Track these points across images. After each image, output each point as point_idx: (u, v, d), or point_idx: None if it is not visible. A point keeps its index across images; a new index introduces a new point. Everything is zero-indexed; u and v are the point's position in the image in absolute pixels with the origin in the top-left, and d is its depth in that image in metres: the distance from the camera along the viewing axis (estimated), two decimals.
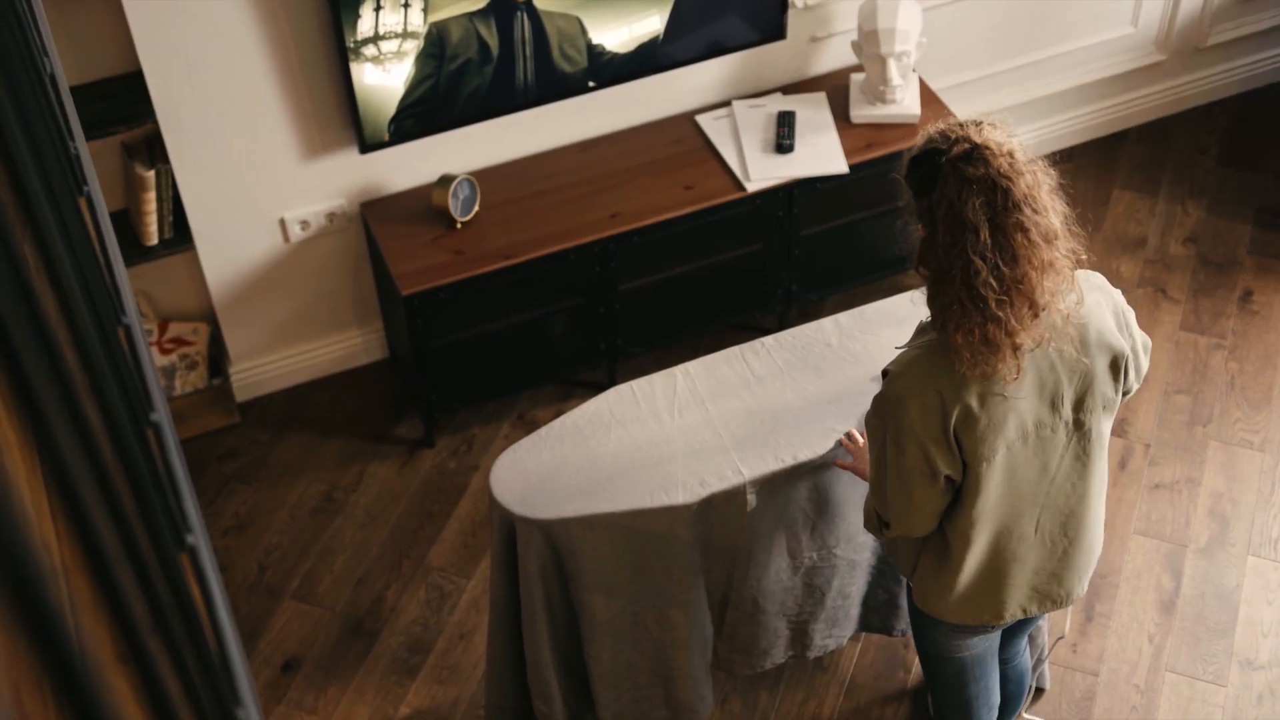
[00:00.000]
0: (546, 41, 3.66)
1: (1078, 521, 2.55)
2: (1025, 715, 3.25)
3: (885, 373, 2.42)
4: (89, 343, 0.89)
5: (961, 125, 2.30)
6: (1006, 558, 2.53)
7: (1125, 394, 2.50)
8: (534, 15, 3.60)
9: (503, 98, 3.71)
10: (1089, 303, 2.38)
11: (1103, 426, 2.46)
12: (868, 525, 2.61)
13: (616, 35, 3.74)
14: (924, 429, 2.33)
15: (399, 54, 3.51)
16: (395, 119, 3.61)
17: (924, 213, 2.30)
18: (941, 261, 2.26)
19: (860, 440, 2.77)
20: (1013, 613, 2.62)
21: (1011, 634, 2.95)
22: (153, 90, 3.45)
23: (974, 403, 2.32)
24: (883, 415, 2.39)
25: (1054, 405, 2.40)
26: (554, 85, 3.75)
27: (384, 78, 3.53)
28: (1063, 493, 2.50)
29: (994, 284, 2.20)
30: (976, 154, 2.22)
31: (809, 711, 3.39)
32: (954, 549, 2.51)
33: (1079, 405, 2.42)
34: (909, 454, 2.37)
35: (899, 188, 2.36)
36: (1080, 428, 2.44)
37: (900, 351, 2.43)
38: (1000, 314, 2.21)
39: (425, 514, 3.85)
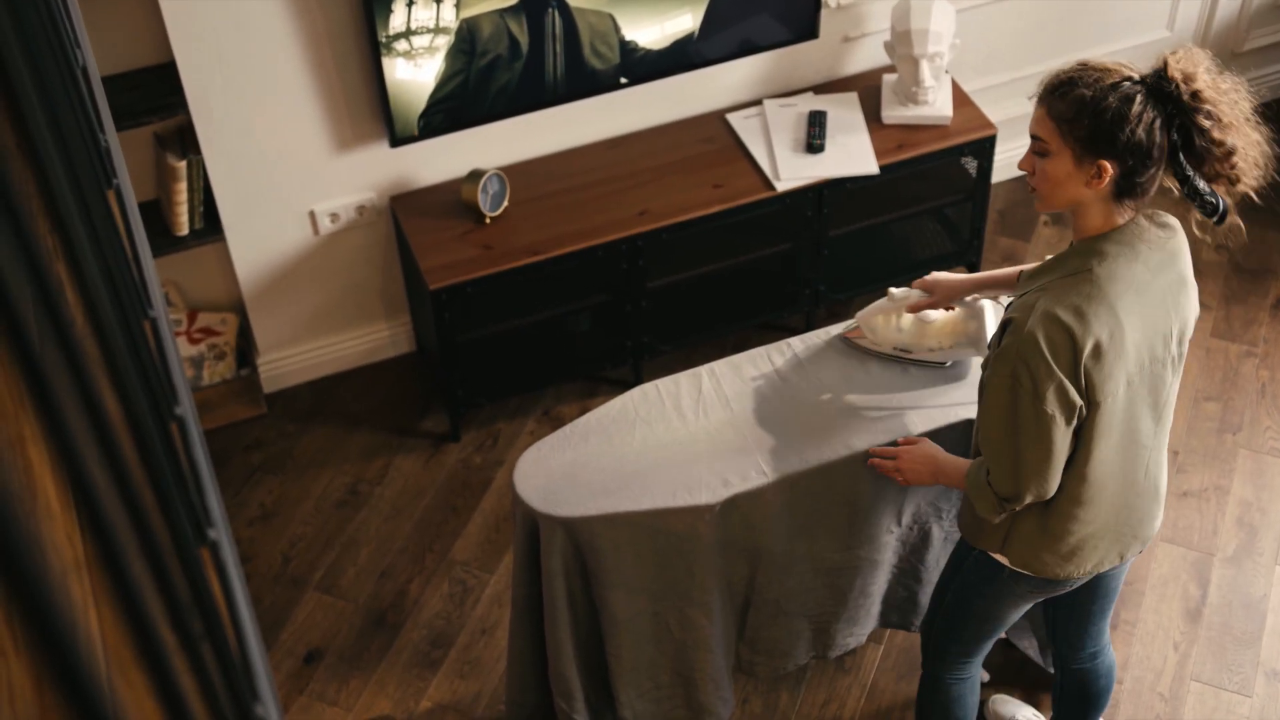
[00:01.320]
0: (578, 38, 3.66)
1: (1158, 460, 2.56)
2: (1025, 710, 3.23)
3: (1005, 324, 2.37)
4: (112, 336, 0.89)
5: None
6: (1120, 503, 2.52)
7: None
8: (565, 11, 3.59)
9: (532, 93, 3.71)
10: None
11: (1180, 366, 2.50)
12: (983, 509, 2.51)
13: (649, 32, 3.73)
14: (1061, 364, 2.30)
15: (430, 49, 3.51)
16: (425, 114, 3.61)
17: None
18: None
19: (900, 450, 2.74)
20: (1113, 560, 2.59)
21: (1098, 617, 2.90)
22: (185, 81, 3.47)
23: (1104, 336, 2.31)
24: (1011, 364, 2.33)
25: (1165, 339, 2.40)
26: (584, 82, 3.75)
27: (415, 73, 3.54)
28: (1160, 434, 2.51)
29: None
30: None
31: (830, 713, 3.38)
32: (1070, 499, 2.47)
33: (1180, 339, 2.45)
34: (1048, 398, 2.32)
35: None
36: (1180, 362, 2.47)
37: (1017, 299, 2.40)
38: None
39: (449, 508, 3.85)
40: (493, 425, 4.06)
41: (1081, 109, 2.29)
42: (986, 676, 3.38)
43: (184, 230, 3.71)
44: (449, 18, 3.47)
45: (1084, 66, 2.34)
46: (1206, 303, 4.30)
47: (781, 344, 3.06)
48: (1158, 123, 2.27)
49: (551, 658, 2.95)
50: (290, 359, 4.14)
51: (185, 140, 3.64)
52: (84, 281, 0.85)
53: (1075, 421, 2.37)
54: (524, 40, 3.60)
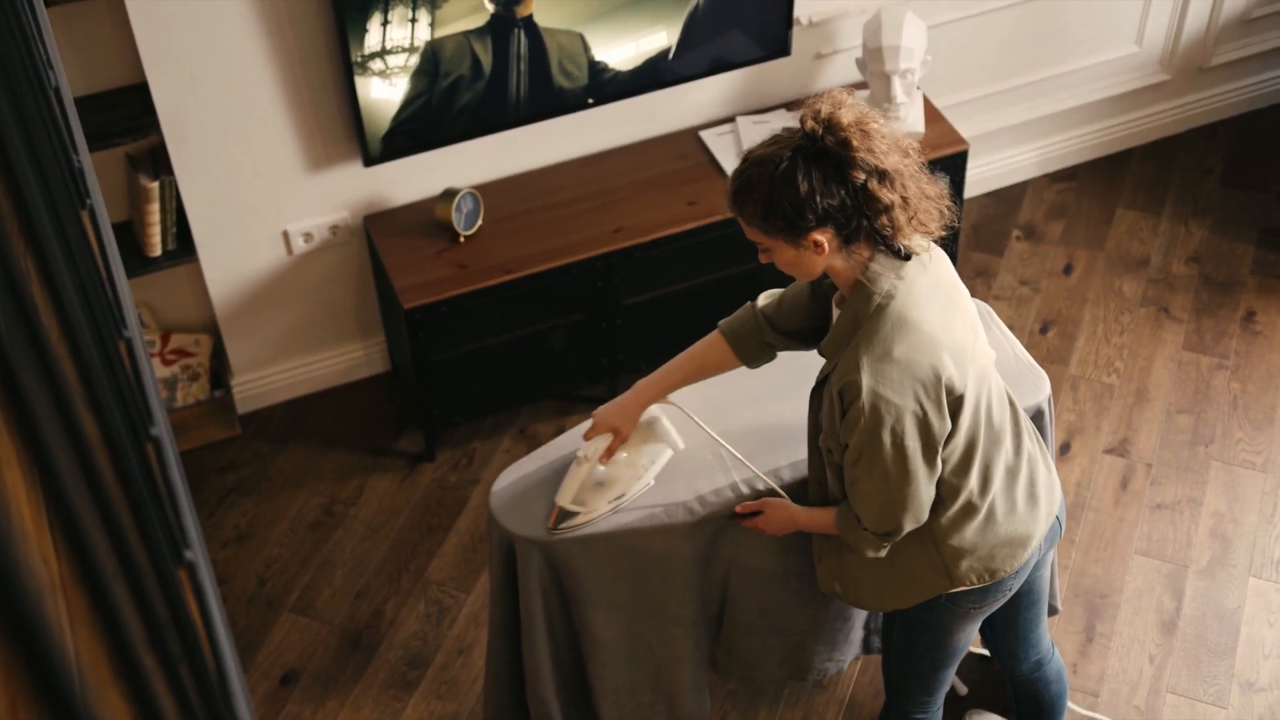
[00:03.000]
0: (545, 58, 3.66)
1: (1021, 424, 2.60)
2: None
3: (840, 392, 2.37)
4: (88, 357, 0.89)
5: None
6: (1010, 461, 2.55)
7: None
8: (533, 32, 3.60)
9: (495, 114, 3.71)
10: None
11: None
12: (865, 548, 2.53)
13: (622, 51, 3.74)
14: (911, 401, 2.33)
15: (405, 69, 3.51)
16: (387, 135, 3.61)
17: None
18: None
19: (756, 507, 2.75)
20: (1041, 536, 2.61)
21: (1033, 624, 2.91)
22: (158, 102, 3.46)
23: (936, 357, 2.33)
24: (865, 423, 2.35)
25: (969, 328, 2.44)
26: (550, 101, 3.75)
27: (389, 92, 3.54)
28: (1005, 393, 2.56)
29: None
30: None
31: None
32: (975, 496, 2.50)
33: (977, 325, 2.49)
34: (908, 437, 2.35)
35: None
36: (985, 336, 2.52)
37: (834, 369, 2.41)
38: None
39: (425, 528, 3.84)
40: (468, 444, 4.06)
41: (765, 208, 2.34)
42: (964, 690, 3.39)
43: (157, 251, 3.70)
44: (424, 36, 3.48)
45: (747, 161, 2.38)
46: (1178, 316, 4.33)
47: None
48: (833, 182, 2.28)
49: (529, 679, 2.94)
50: (264, 380, 4.13)
51: (158, 161, 3.64)
52: (60, 302, 0.85)
53: (941, 441, 2.40)
54: (487, 61, 3.60)
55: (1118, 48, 4.63)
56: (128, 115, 3.50)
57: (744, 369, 2.79)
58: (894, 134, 2.38)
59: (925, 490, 2.43)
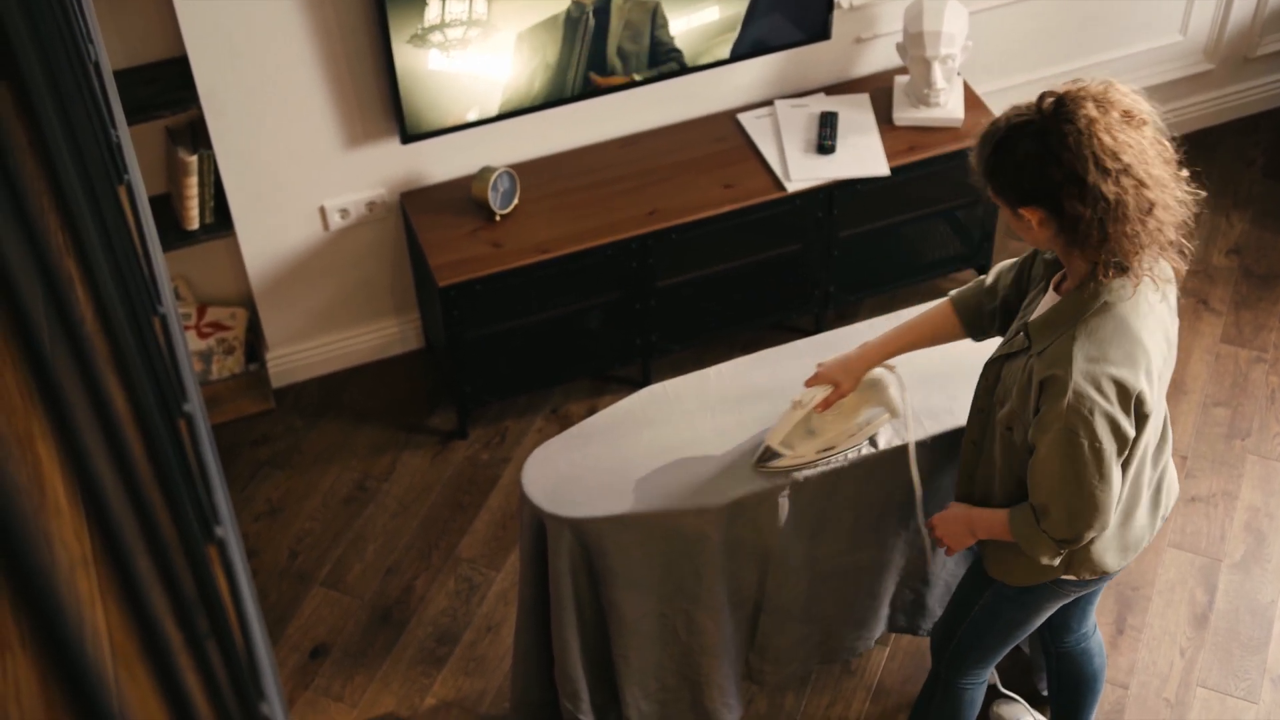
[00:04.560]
0: (605, 39, 3.66)
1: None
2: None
3: (1041, 382, 2.34)
4: (120, 333, 0.89)
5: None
6: (1154, 489, 2.57)
7: None
8: (602, 14, 3.60)
9: (547, 95, 3.71)
10: None
11: None
12: (1041, 555, 2.48)
13: (685, 23, 3.73)
14: (1114, 406, 2.30)
15: (464, 41, 3.51)
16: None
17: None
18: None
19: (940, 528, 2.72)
20: (1159, 525, 2.63)
21: (1094, 598, 2.91)
22: (197, 76, 3.47)
23: (1145, 367, 2.32)
24: (1065, 420, 2.30)
25: (1170, 343, 2.42)
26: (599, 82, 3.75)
27: (446, 64, 3.53)
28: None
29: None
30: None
31: (835, 714, 3.38)
32: (1128, 503, 2.50)
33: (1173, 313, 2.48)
34: (1104, 441, 2.31)
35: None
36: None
37: (1041, 354, 2.37)
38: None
39: (456, 505, 3.85)
40: (500, 423, 4.06)
41: (987, 170, 2.33)
42: (993, 679, 3.38)
43: (194, 225, 3.71)
44: (481, 11, 3.47)
45: (999, 117, 2.33)
46: (1216, 308, 4.29)
47: (789, 346, 3.05)
48: (1042, 165, 2.23)
49: (558, 658, 2.95)
50: (299, 354, 4.15)
51: (196, 135, 3.65)
52: (93, 278, 0.85)
53: (1126, 450, 2.38)
54: (554, 49, 3.61)
55: (1162, 36, 4.58)
56: (167, 89, 3.51)
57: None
58: (1152, 153, 2.26)
59: (1114, 495, 2.39)
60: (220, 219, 3.75)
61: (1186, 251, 2.34)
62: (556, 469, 2.82)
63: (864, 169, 3.85)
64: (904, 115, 3.99)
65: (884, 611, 3.16)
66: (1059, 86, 2.28)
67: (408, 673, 3.49)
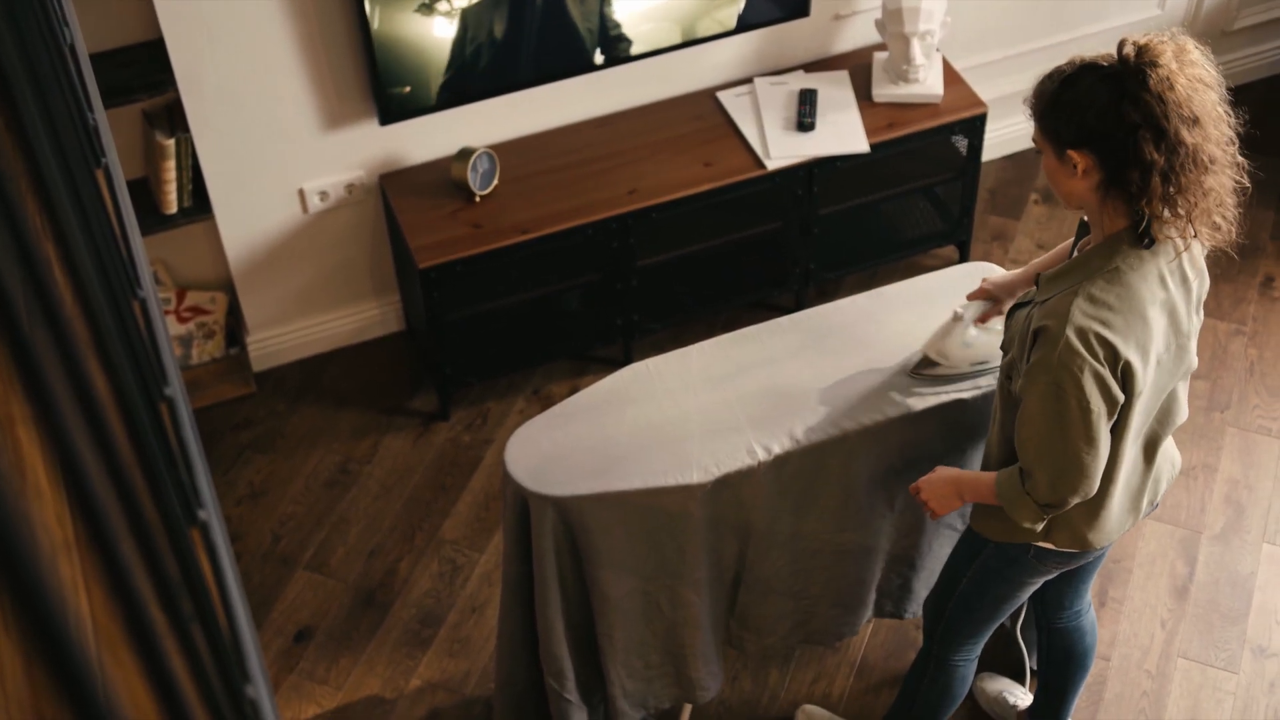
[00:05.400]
0: (566, 13, 3.65)
1: (1175, 420, 2.57)
2: (1015, 692, 3.24)
3: (1035, 332, 2.35)
4: (101, 317, 0.89)
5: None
6: (1143, 468, 2.55)
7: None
8: None
9: (506, 75, 3.70)
10: None
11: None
12: (1024, 518, 2.48)
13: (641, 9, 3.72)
14: (1103, 364, 2.29)
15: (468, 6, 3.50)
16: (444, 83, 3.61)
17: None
18: None
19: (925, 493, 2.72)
20: (1136, 518, 2.61)
21: (1088, 576, 2.92)
22: (174, 59, 3.45)
23: (1140, 334, 2.31)
24: (1054, 373, 2.30)
25: (1187, 312, 2.41)
26: (565, 60, 3.74)
27: (449, 30, 3.52)
28: (1183, 396, 2.53)
29: None
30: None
31: (819, 690, 3.39)
32: (1108, 478, 2.47)
33: (1198, 305, 2.45)
34: (1093, 399, 2.31)
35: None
36: (1199, 321, 2.47)
37: (1042, 304, 2.37)
38: None
39: (439, 487, 3.85)
40: (482, 404, 4.06)
41: (1045, 104, 2.32)
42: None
43: (173, 208, 3.70)
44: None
45: (1065, 62, 2.34)
46: None
47: (771, 323, 3.05)
48: (1110, 107, 2.23)
49: (542, 637, 2.95)
50: (279, 338, 4.14)
51: (174, 118, 3.63)
52: (72, 261, 0.85)
53: (1115, 414, 2.38)
54: (501, 27, 3.59)
55: (1139, 10, 4.58)
56: (144, 72, 3.49)
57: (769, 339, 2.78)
58: (1218, 119, 2.27)
59: (1100, 459, 2.39)
60: (199, 202, 3.74)
61: (1224, 224, 2.33)
62: (539, 448, 2.82)
63: (843, 146, 3.85)
64: (883, 92, 3.99)
65: (870, 597, 3.17)
66: (1137, 37, 2.27)
67: (392, 655, 3.49)
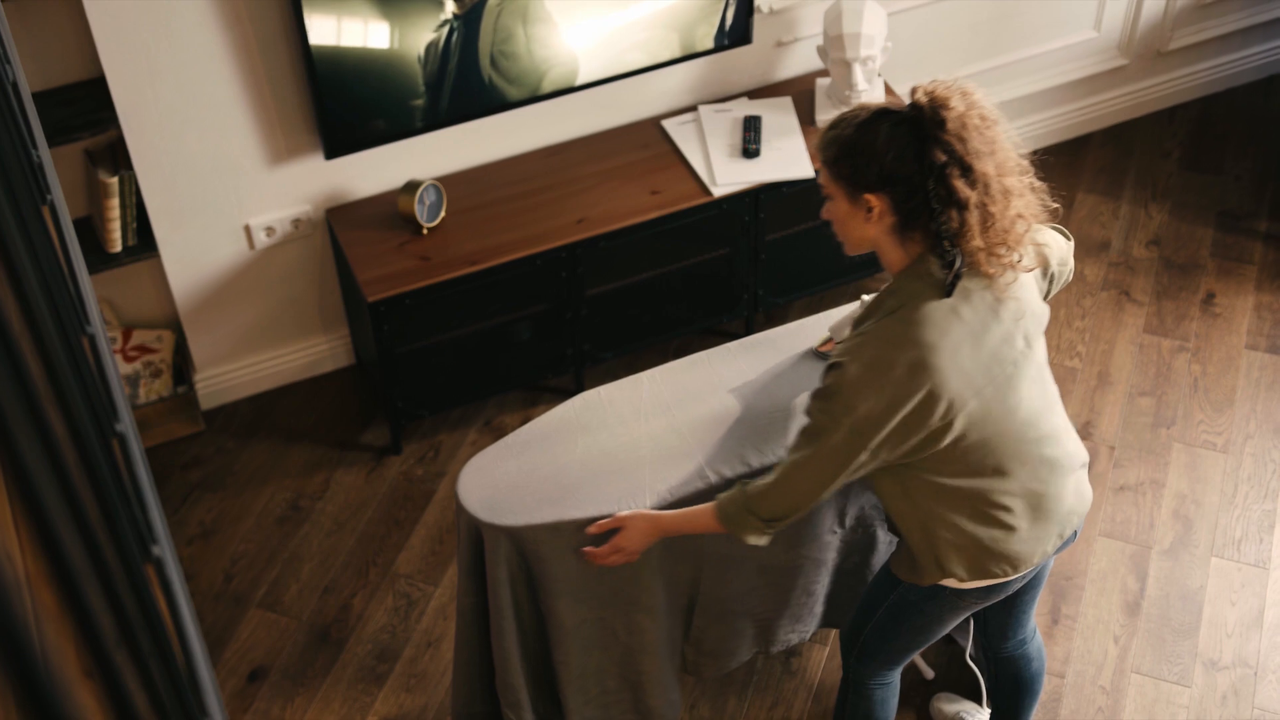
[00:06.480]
0: (476, 51, 3.66)
1: (1054, 436, 2.55)
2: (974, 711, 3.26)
3: (831, 365, 2.39)
4: (53, 352, 0.88)
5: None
6: (1034, 489, 2.52)
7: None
8: (473, 21, 3.59)
9: (471, 103, 3.70)
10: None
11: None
12: (747, 535, 2.52)
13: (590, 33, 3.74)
14: (886, 408, 2.32)
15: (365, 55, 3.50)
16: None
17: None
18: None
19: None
20: (1055, 542, 2.59)
21: (1029, 606, 2.91)
22: (116, 96, 3.43)
23: (931, 378, 2.32)
24: (833, 402, 2.36)
25: (1008, 341, 2.41)
26: (484, 99, 3.74)
27: (394, 64, 3.52)
28: (1047, 411, 2.52)
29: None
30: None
31: (777, 716, 3.39)
32: (991, 505, 2.48)
33: (1027, 335, 2.44)
34: (864, 437, 2.35)
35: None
36: (1035, 339, 2.48)
37: (843, 344, 2.41)
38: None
39: (392, 521, 3.83)
40: (434, 437, 4.05)
41: (840, 149, 2.36)
42: (930, 674, 3.41)
43: (117, 247, 3.67)
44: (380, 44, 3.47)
45: (851, 109, 2.41)
46: (1138, 299, 4.35)
47: (721, 348, 3.07)
48: (910, 150, 2.30)
49: (498, 667, 2.94)
50: (228, 375, 4.11)
51: (117, 156, 3.61)
52: (25, 297, 0.84)
53: (881, 454, 2.40)
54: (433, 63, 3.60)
55: (1076, 33, 4.65)
56: (85, 110, 3.47)
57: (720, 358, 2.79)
58: (1010, 150, 2.36)
59: (821, 488, 2.44)
60: (143, 241, 3.71)
61: (1008, 254, 2.35)
62: (492, 478, 2.81)
63: (789, 171, 3.88)
64: (826, 117, 4.02)
65: (819, 608, 3.18)
66: (925, 85, 2.34)
67: (348, 692, 3.46)
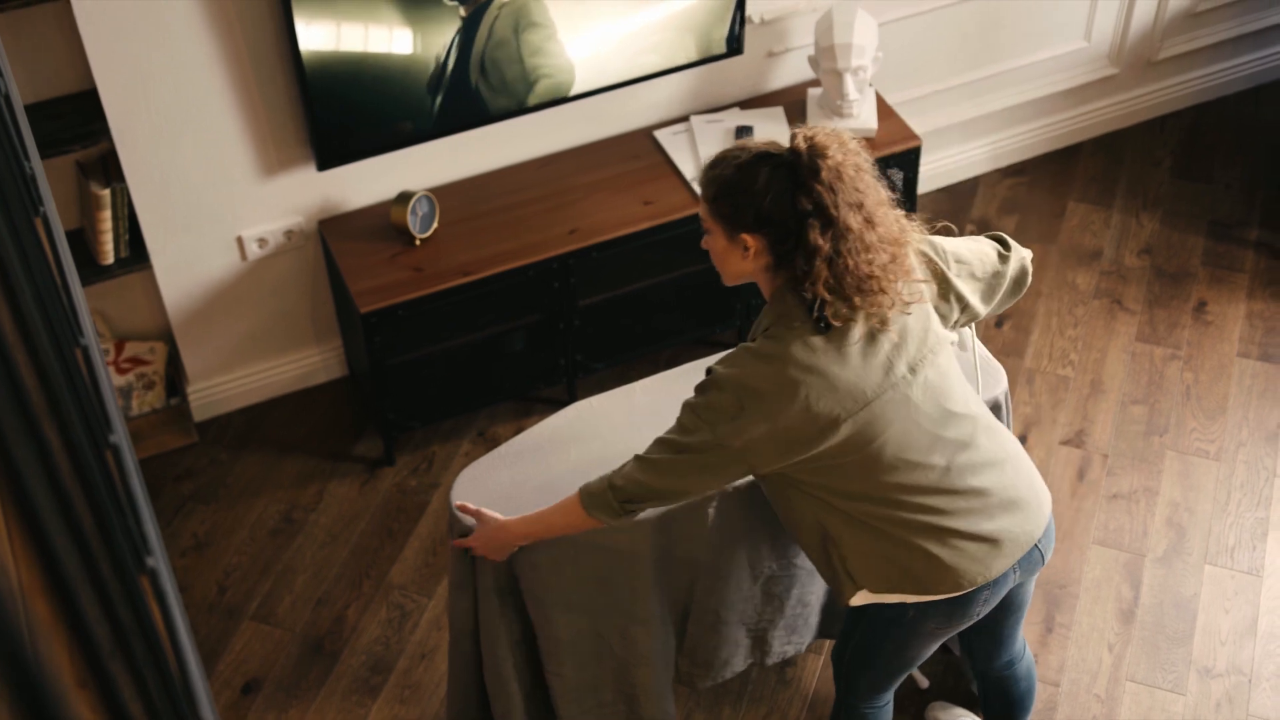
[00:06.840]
0: (468, 61, 3.66)
1: (982, 435, 2.53)
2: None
3: (709, 372, 2.44)
4: (47, 364, 0.88)
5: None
6: (969, 487, 2.50)
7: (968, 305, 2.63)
8: (473, 25, 3.60)
9: (428, 121, 3.71)
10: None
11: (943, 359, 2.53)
12: (604, 516, 2.55)
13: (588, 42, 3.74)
14: (746, 427, 2.37)
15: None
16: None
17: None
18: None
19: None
20: (1020, 545, 2.54)
21: (1012, 630, 2.91)
22: (107, 108, 3.43)
23: (803, 400, 2.36)
24: (704, 406, 2.41)
25: (897, 351, 2.43)
26: (480, 110, 3.75)
27: (386, 75, 3.52)
28: (966, 414, 2.51)
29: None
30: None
31: None
32: (919, 509, 2.47)
33: (921, 346, 2.46)
34: (723, 447, 2.39)
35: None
36: (939, 349, 2.49)
37: (727, 356, 2.46)
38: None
39: (386, 532, 3.83)
40: (427, 448, 4.05)
41: (719, 189, 2.41)
42: (925, 683, 3.41)
43: (109, 259, 3.67)
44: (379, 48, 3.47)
45: (733, 146, 2.45)
46: (1130, 308, 4.36)
47: (713, 358, 3.07)
48: (787, 196, 2.34)
49: (490, 680, 2.94)
50: (221, 386, 4.10)
51: (109, 168, 3.61)
52: (19, 309, 0.84)
53: (750, 461, 2.43)
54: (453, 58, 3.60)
55: (1066, 43, 4.66)
56: (77, 122, 3.47)
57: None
58: (885, 201, 2.41)
59: (673, 484, 2.47)
60: (135, 252, 3.71)
61: (863, 301, 2.38)
62: (485, 488, 2.81)
63: None
64: (818, 127, 4.02)
65: (815, 619, 3.18)
66: (805, 130, 2.39)
67: (342, 704, 3.46)
